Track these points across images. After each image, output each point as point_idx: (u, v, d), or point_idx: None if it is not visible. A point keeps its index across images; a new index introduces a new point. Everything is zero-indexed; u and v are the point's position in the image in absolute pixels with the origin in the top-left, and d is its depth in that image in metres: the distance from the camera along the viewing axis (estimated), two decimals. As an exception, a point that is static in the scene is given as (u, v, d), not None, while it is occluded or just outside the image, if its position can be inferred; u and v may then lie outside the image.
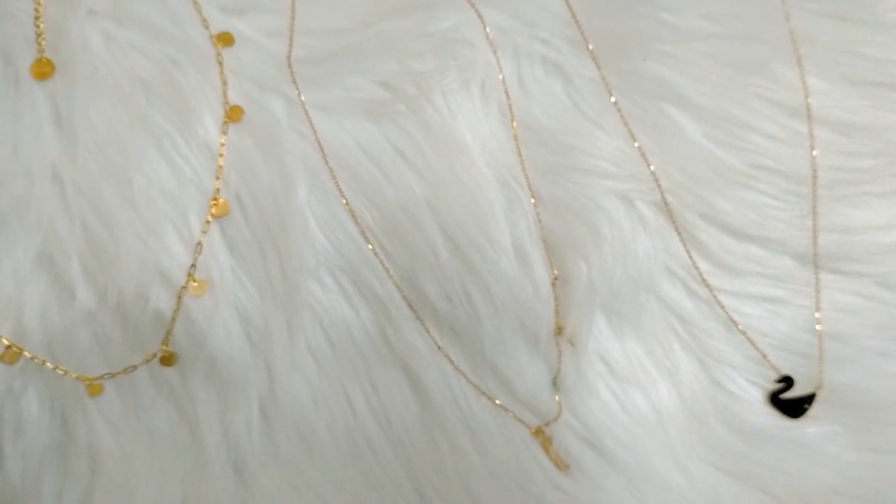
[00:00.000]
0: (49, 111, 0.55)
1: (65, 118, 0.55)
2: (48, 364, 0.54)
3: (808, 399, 0.59)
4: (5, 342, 0.53)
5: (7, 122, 0.54)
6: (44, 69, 0.55)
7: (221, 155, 0.55)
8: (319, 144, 0.56)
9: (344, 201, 0.56)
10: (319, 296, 0.56)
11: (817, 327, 0.60)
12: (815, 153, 0.60)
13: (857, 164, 0.61)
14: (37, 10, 0.57)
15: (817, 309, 0.60)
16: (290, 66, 0.57)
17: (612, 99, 0.60)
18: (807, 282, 0.61)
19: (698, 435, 0.58)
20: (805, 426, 0.59)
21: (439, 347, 0.57)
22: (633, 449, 0.58)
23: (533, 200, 0.58)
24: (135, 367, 0.55)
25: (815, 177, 0.61)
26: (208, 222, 0.55)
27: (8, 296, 0.53)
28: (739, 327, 0.59)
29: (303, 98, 0.56)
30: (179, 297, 0.54)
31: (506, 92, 0.59)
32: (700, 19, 0.60)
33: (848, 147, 0.61)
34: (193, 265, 0.54)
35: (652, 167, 0.59)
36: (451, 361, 0.57)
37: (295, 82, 0.57)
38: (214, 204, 0.55)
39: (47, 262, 0.54)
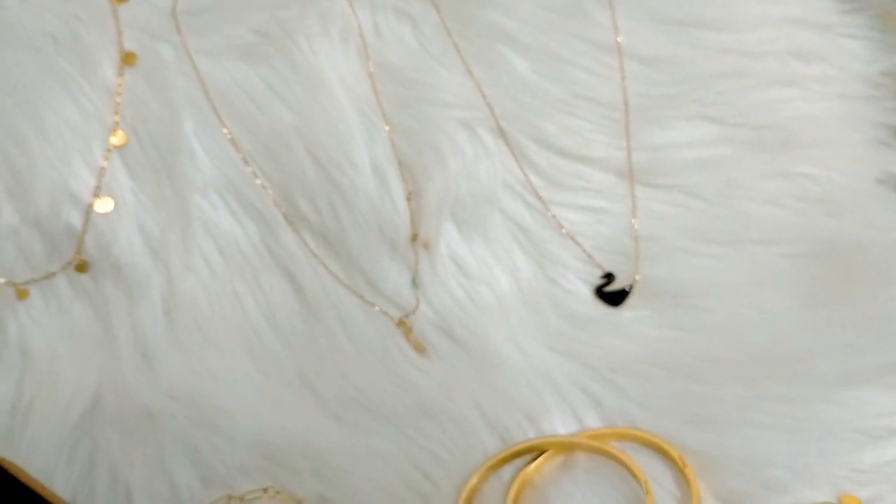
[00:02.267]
0: (-29, 60, 0.63)
1: (-15, 66, 0.63)
2: (-20, 272, 0.63)
3: (626, 291, 0.69)
4: (-58, 255, 0.62)
5: (-65, 69, 0.63)
6: (-34, 25, 0.64)
7: (119, 94, 0.65)
8: (202, 83, 0.66)
9: (225, 131, 0.66)
10: (208, 211, 0.66)
11: (634, 231, 0.70)
12: (625, 83, 0.71)
13: (662, 91, 0.70)
14: (-41, -26, 0.66)
15: (634, 216, 0.70)
16: (175, 17, 0.66)
17: (452, 41, 0.69)
18: (625, 193, 0.70)
19: (534, 322, 0.67)
20: (622, 312, 0.68)
21: (314, 254, 0.67)
22: (479, 334, 0.66)
23: (387, 128, 0.68)
24: (54, 274, 0.64)
25: (626, 104, 0.70)
26: (110, 150, 0.64)
27: (-59, 216, 0.62)
28: (567, 232, 0.70)
29: (187, 44, 0.66)
30: (87, 214, 0.63)
31: (361, 36, 0.68)
32: (525, -27, 0.70)
33: (654, 77, 0.70)
34: (98, 186, 0.64)
35: (487, 98, 0.69)
36: (325, 265, 0.67)
37: (180, 31, 0.66)
38: (114, 135, 0.64)
39: (-25, 188, 0.62)
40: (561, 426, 0.63)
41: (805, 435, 0.59)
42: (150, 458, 0.60)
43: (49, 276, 0.64)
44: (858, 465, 0.57)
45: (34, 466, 0.58)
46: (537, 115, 0.69)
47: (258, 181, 0.66)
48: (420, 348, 0.66)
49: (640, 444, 0.61)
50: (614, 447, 0.60)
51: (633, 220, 0.70)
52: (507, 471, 0.61)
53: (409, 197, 0.68)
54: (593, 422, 0.63)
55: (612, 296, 0.69)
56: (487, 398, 0.64)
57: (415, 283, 0.68)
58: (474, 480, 0.60)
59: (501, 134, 0.69)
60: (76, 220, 0.63)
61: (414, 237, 0.68)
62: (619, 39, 0.70)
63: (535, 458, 0.61)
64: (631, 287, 0.69)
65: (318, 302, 0.67)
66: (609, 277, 0.69)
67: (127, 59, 0.65)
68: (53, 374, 0.64)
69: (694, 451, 0.59)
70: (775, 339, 0.65)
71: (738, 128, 0.71)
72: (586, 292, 0.69)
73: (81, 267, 0.64)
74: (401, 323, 0.67)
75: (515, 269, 0.69)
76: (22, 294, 0.64)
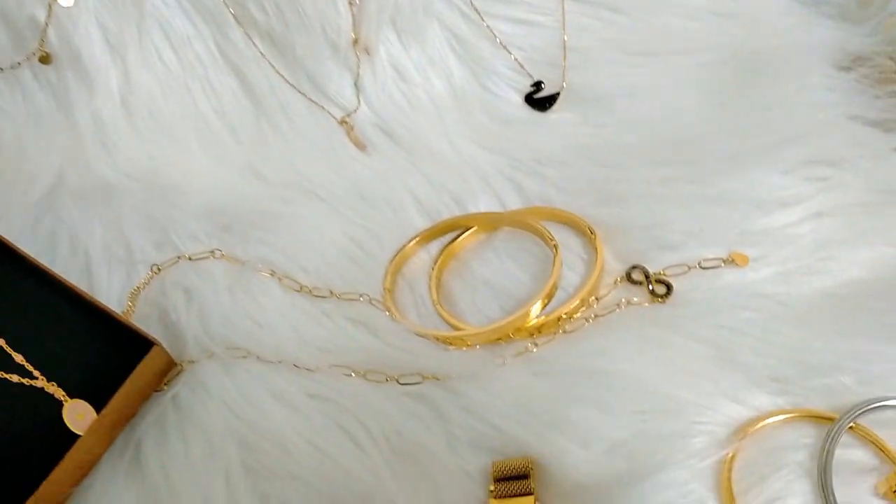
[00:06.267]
0: None
1: None
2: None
3: (554, 97, 0.73)
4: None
5: None
6: None
7: None
8: None
9: (178, -68, 0.70)
10: (162, 10, 0.70)
11: (563, 42, 0.74)
12: None
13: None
14: None
15: (563, 29, 0.75)
16: None
17: None
18: (556, 7, 0.75)
19: (466, 122, 0.73)
20: (549, 115, 0.73)
21: (262, 54, 0.72)
22: (414, 132, 0.72)
23: (332, -66, 0.72)
24: (19, 64, 0.69)
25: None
26: (73, -55, 0.68)
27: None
28: (501, 43, 0.74)
29: None
30: (50, 7, 0.67)
31: None
32: None
33: None
34: (59, -20, 0.68)
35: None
36: (272, 65, 0.72)
37: None
38: (73, -65, 0.68)
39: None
40: (485, 209, 0.68)
41: (701, 205, 0.63)
42: (108, 226, 0.65)
43: (14, 66, 0.69)
44: (749, 229, 0.62)
45: None
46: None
47: (209, -19, 0.70)
48: (360, 145, 0.72)
49: (555, 220, 0.66)
50: (529, 218, 0.65)
51: (563, 33, 0.75)
52: (434, 246, 0.67)
53: (351, 1, 0.72)
54: (515, 205, 0.68)
55: (540, 102, 0.74)
56: (420, 185, 0.69)
57: (357, 85, 0.73)
58: (404, 250, 0.65)
59: (439, -55, 0.73)
60: (40, 13, 0.68)
61: (355, 41, 0.72)
62: None
63: (461, 234, 0.67)
64: (558, 94, 0.74)
65: (267, 100, 0.72)
66: (538, 85, 0.74)
67: None
68: (18, 155, 0.69)
69: (602, 223, 0.65)
70: (681, 128, 0.70)
71: (660, -52, 0.75)
72: (517, 99, 0.74)
73: (45, 59, 0.69)
74: (343, 122, 0.72)
75: (450, 75, 0.74)
76: (-11, 77, 0.68)
